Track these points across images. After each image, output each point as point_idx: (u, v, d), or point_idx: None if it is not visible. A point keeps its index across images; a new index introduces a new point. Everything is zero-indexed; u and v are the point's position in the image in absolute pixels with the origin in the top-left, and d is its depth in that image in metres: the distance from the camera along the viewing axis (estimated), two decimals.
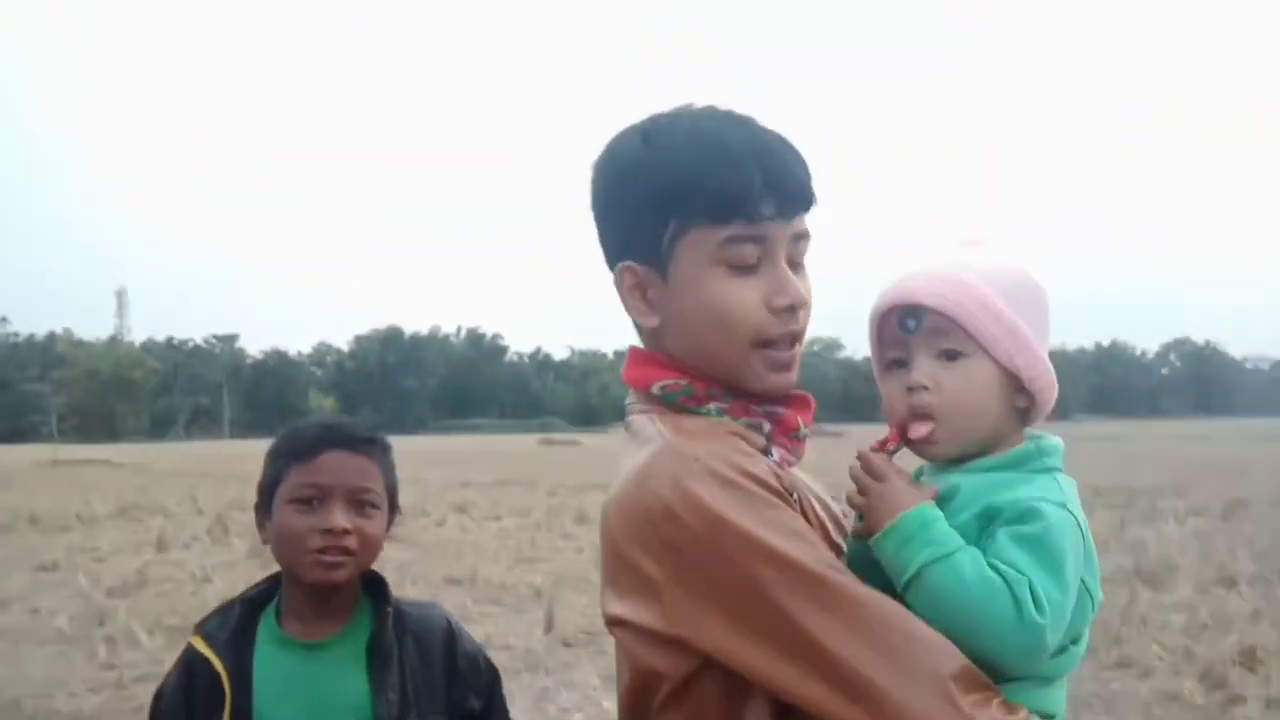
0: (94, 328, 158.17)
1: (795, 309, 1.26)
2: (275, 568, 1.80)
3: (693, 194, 1.22)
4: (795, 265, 1.28)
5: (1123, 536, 11.97)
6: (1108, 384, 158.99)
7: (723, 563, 1.08)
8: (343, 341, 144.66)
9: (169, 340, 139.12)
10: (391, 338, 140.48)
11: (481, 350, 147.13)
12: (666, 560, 1.11)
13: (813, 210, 1.29)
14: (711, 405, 1.28)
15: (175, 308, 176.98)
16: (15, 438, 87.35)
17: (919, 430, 1.22)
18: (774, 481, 1.17)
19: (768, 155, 1.24)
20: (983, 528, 1.15)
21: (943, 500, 1.17)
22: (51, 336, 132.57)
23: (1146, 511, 14.83)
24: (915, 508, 1.14)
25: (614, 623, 1.19)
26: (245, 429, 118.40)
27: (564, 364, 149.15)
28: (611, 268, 1.32)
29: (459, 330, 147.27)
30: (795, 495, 1.20)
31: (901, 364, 1.25)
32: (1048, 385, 1.24)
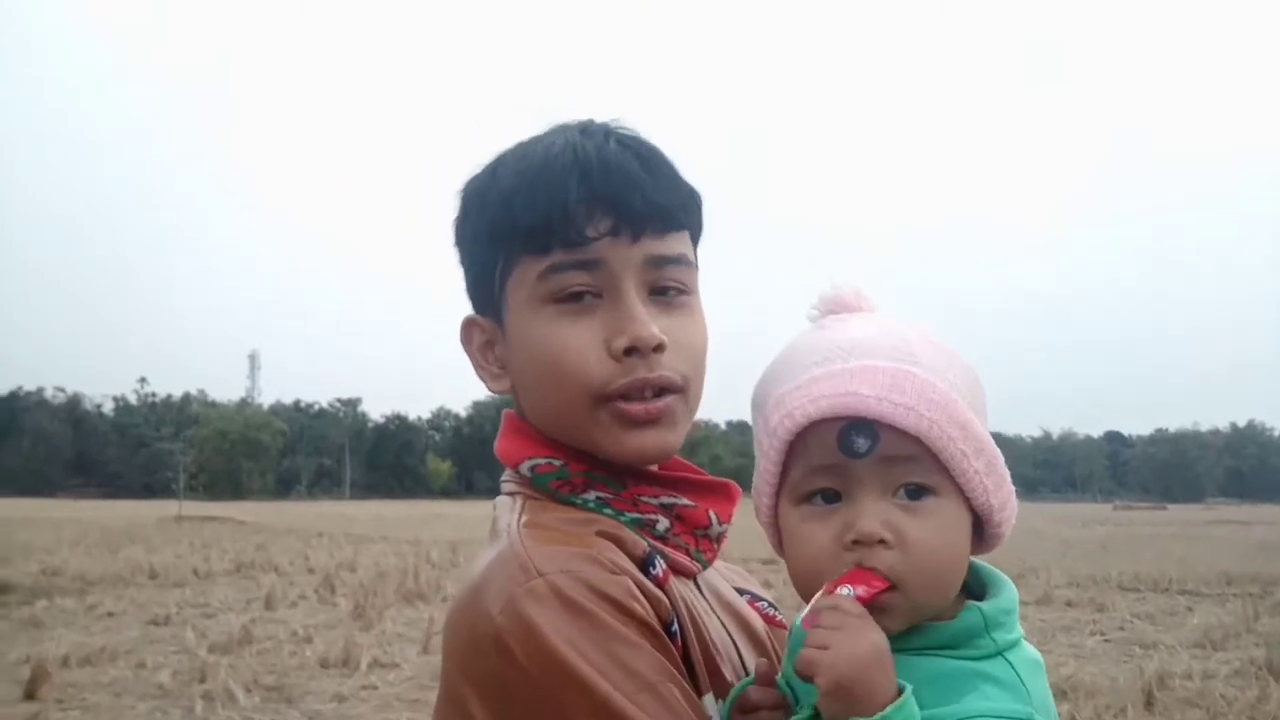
0: (227, 389, 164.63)
1: (643, 350, 1.01)
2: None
3: (510, 222, 1.04)
4: (663, 296, 1.05)
5: (1255, 628, 11.39)
6: (1242, 467, 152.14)
7: (554, 714, 0.87)
8: (461, 407, 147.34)
9: (296, 403, 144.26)
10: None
11: None
12: (492, 700, 0.90)
13: (686, 230, 1.08)
14: (591, 494, 1.05)
15: (304, 372, 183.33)
16: (146, 494, 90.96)
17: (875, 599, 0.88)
18: (638, 608, 0.92)
19: (601, 169, 1.02)
20: None
21: None
22: (186, 397, 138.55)
23: None
24: (904, 698, 0.82)
25: None
26: (365, 490, 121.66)
27: None
28: None
29: None
30: (674, 623, 0.97)
31: (832, 497, 0.91)
32: (1008, 531, 0.96)
